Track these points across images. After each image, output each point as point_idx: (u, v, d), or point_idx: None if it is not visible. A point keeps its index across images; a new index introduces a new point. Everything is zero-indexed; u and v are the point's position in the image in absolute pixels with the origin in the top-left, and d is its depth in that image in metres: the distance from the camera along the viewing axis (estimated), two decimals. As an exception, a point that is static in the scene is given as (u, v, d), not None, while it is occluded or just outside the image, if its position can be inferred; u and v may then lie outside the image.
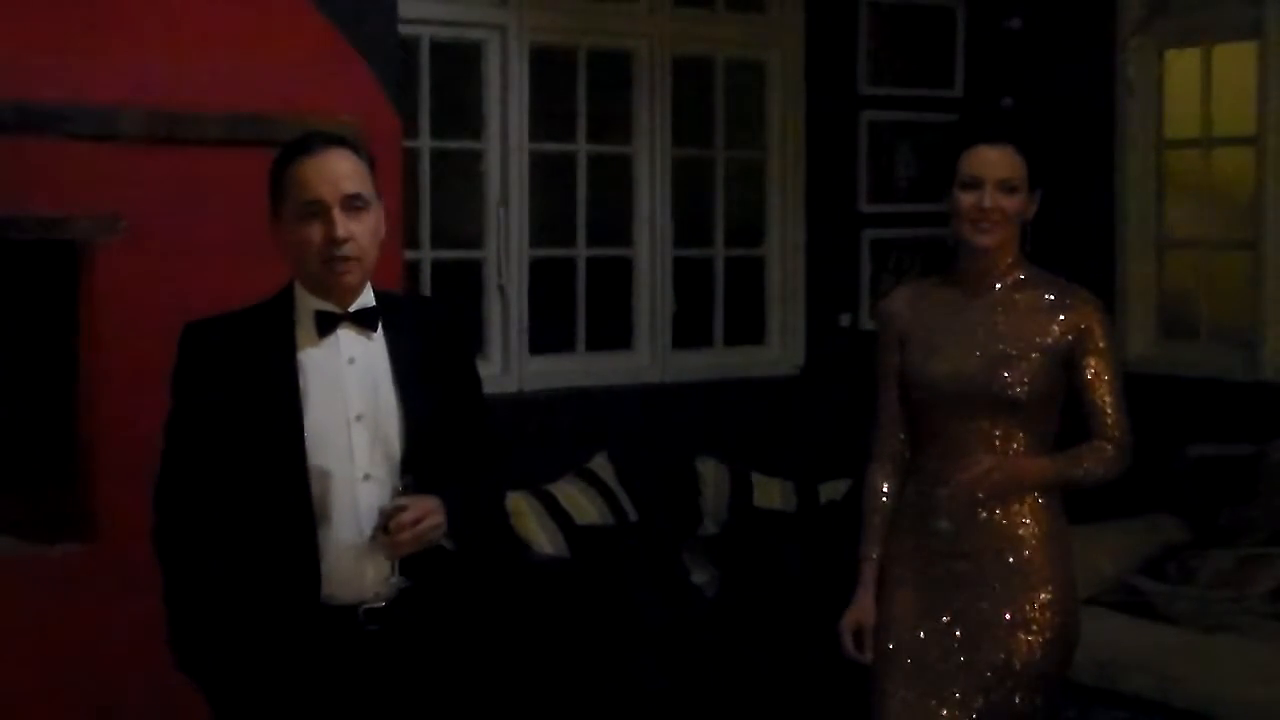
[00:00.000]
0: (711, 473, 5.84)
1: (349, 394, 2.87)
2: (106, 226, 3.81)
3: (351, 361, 2.89)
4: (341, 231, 2.82)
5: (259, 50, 4.07)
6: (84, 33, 3.84)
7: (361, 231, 2.85)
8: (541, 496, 5.36)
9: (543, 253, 5.84)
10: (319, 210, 2.82)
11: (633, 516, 5.55)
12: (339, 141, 2.91)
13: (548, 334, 5.84)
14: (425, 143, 5.55)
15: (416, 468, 2.87)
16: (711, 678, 4.95)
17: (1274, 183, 5.67)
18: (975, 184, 3.33)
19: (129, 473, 3.75)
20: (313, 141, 2.89)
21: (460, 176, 5.70)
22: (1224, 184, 6.04)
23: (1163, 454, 5.41)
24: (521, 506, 5.24)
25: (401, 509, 2.82)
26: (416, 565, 2.88)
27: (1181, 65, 6.08)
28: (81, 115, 3.77)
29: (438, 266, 5.61)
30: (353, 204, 2.84)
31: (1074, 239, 5.85)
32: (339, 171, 2.84)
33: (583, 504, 5.44)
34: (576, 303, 5.93)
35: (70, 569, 3.81)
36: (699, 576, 5.50)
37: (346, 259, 2.84)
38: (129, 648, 3.75)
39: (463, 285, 5.66)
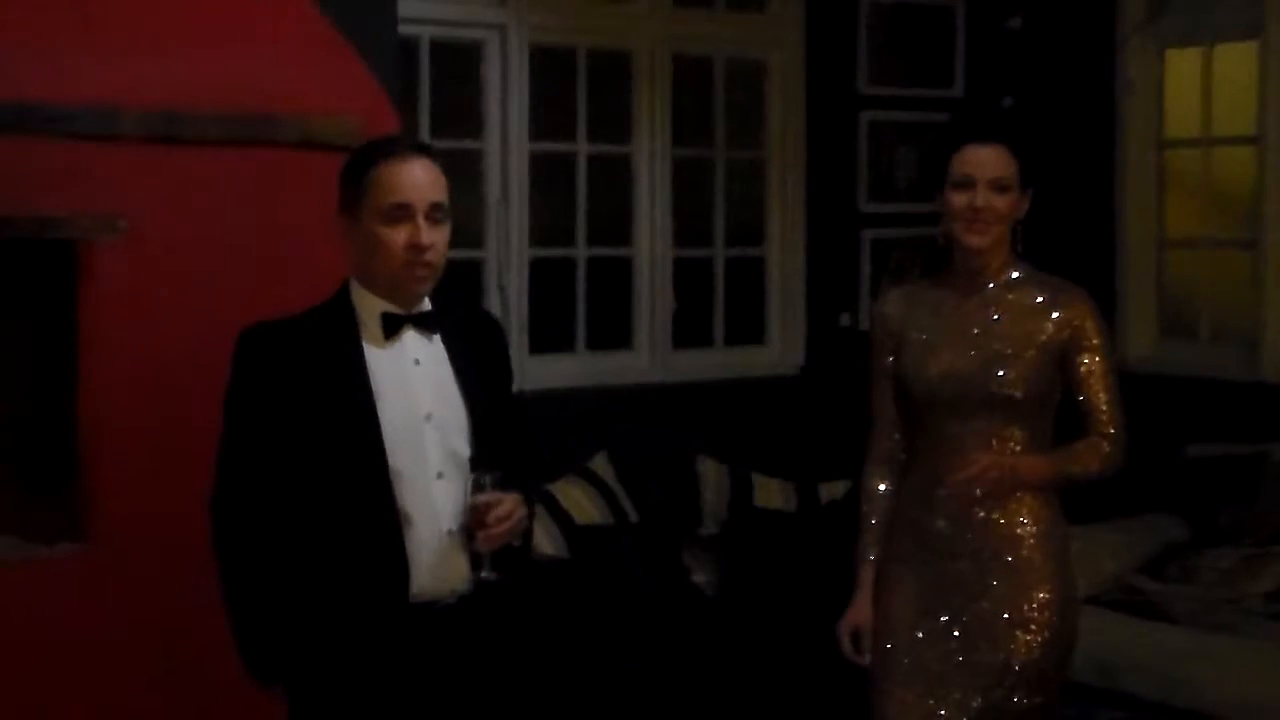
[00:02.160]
0: (711, 473, 5.83)
1: (418, 394, 2.90)
2: (106, 226, 3.81)
3: (417, 363, 2.92)
4: (426, 239, 2.85)
5: (259, 50, 4.06)
6: (83, 33, 3.84)
7: (440, 242, 2.90)
8: (541, 496, 5.36)
9: (543, 253, 5.85)
10: (406, 215, 2.85)
11: (633, 516, 5.55)
12: (424, 148, 2.97)
13: (548, 334, 5.84)
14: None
15: (487, 466, 2.90)
16: (712, 678, 4.95)
17: (1274, 183, 5.67)
18: (967, 184, 3.33)
19: (128, 473, 3.77)
20: (401, 145, 2.95)
21: (460, 176, 5.69)
22: (1224, 184, 6.05)
23: (1163, 454, 5.42)
24: (521, 506, 5.24)
25: (497, 502, 2.86)
26: (499, 559, 2.91)
27: (1181, 65, 6.09)
28: (81, 115, 3.76)
29: (438, 266, 5.61)
30: (436, 214, 2.88)
31: (1074, 239, 5.86)
32: (428, 179, 2.89)
33: (583, 504, 5.44)
34: (576, 303, 5.93)
35: (69, 569, 3.80)
36: (699, 576, 5.49)
37: (425, 265, 2.88)
38: (128, 648, 3.75)
39: (463, 285, 5.66)
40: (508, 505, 2.87)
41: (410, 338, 2.93)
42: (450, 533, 2.90)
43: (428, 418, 2.90)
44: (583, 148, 5.93)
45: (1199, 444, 5.59)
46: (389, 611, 2.85)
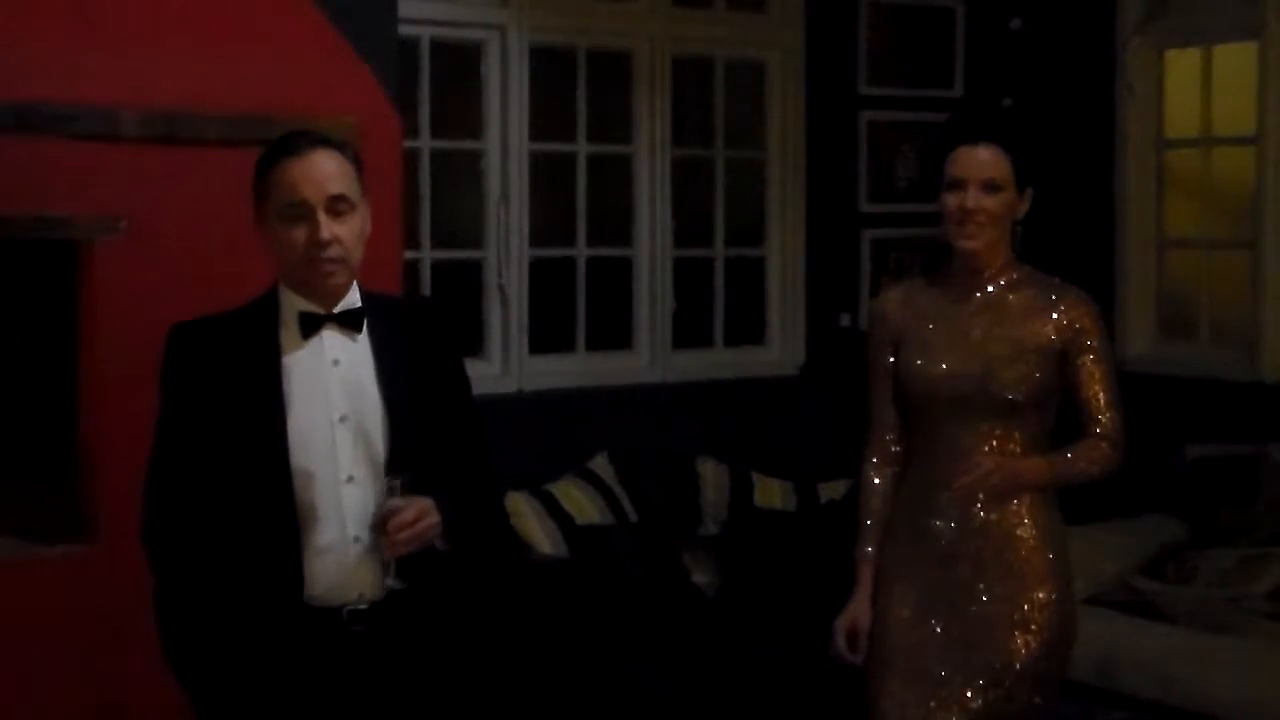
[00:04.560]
0: (711, 473, 5.84)
1: (332, 396, 2.86)
2: (106, 226, 3.81)
3: (336, 363, 2.87)
4: (325, 234, 2.79)
5: (259, 50, 4.07)
6: (84, 33, 3.84)
7: (346, 233, 2.83)
8: (541, 496, 5.36)
9: (543, 253, 5.84)
10: (303, 212, 2.80)
11: (633, 516, 5.55)
12: (324, 141, 2.87)
13: (548, 334, 5.84)
14: (425, 143, 5.55)
15: (402, 469, 2.85)
16: (711, 678, 4.95)
17: (1274, 183, 5.67)
18: (959, 185, 3.32)
19: (129, 472, 3.75)
20: (298, 141, 2.85)
21: (460, 176, 5.70)
22: (1224, 184, 6.05)
23: (1163, 454, 5.42)
24: (521, 506, 5.25)
25: (399, 509, 2.81)
26: (409, 566, 2.86)
27: (1181, 65, 6.09)
28: (81, 115, 3.77)
29: (438, 266, 5.61)
30: (337, 205, 2.81)
31: (1074, 239, 5.86)
32: (324, 172, 2.81)
33: (583, 504, 5.44)
34: (576, 303, 5.93)
35: (70, 569, 3.81)
36: (699, 576, 5.50)
37: (331, 260, 2.82)
38: (129, 648, 3.75)
39: (463, 285, 5.67)
40: (411, 512, 2.80)
41: (331, 337, 2.87)
42: (358, 538, 2.85)
43: (342, 420, 2.85)
44: (583, 148, 5.92)
45: (1198, 444, 5.58)
46: (283, 614, 2.81)
